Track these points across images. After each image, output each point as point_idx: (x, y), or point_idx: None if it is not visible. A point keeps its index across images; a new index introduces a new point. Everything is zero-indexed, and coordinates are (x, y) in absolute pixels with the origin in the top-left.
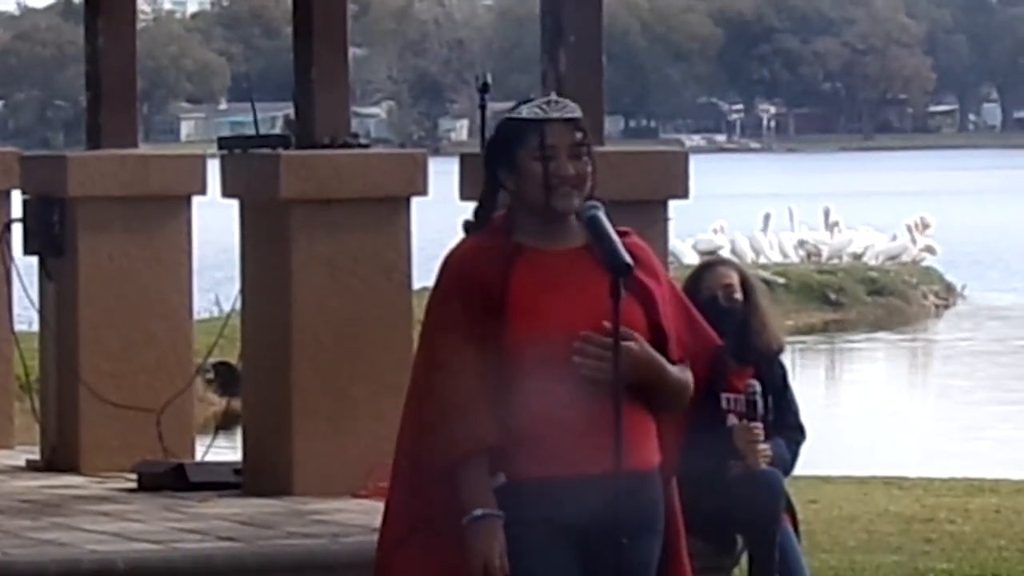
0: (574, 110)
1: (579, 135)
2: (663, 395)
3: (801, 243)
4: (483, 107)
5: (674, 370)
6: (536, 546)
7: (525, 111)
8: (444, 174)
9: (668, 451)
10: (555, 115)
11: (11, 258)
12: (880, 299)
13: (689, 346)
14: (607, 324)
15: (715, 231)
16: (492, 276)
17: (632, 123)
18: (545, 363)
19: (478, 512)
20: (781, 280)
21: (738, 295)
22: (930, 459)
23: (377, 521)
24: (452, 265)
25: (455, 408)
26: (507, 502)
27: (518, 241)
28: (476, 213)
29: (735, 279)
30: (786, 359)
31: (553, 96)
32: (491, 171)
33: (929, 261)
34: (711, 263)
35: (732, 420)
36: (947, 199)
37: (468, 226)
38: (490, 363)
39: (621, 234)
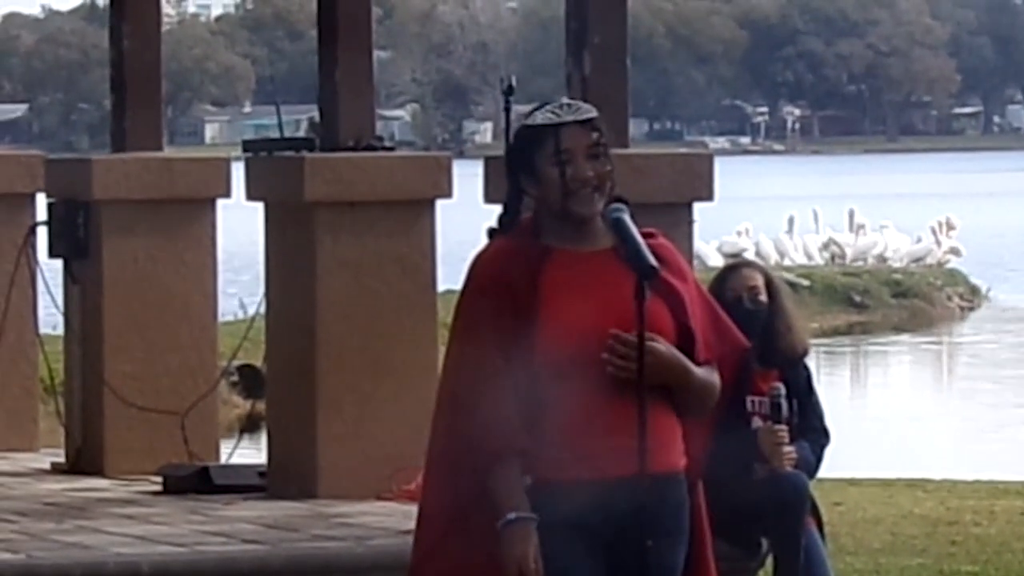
0: (588, 111)
1: (595, 135)
2: (688, 397)
3: (827, 244)
4: (508, 110)
5: (699, 372)
6: (563, 548)
7: (539, 117)
8: (468, 176)
9: (694, 455)
10: (569, 118)
11: (36, 261)
12: (904, 301)
13: (716, 348)
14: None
15: (739, 233)
16: (521, 277)
17: (656, 126)
18: (573, 365)
19: (512, 515)
20: (806, 282)
21: (763, 297)
22: (955, 461)
23: (401, 523)
24: (481, 267)
25: (486, 410)
26: (534, 504)
27: (546, 243)
28: (500, 219)
29: (760, 281)
30: (810, 361)
31: (565, 100)
32: (513, 178)
33: (954, 263)
34: (736, 265)
35: (757, 422)
36: (972, 201)
37: (492, 232)
38: (519, 364)
39: (647, 236)
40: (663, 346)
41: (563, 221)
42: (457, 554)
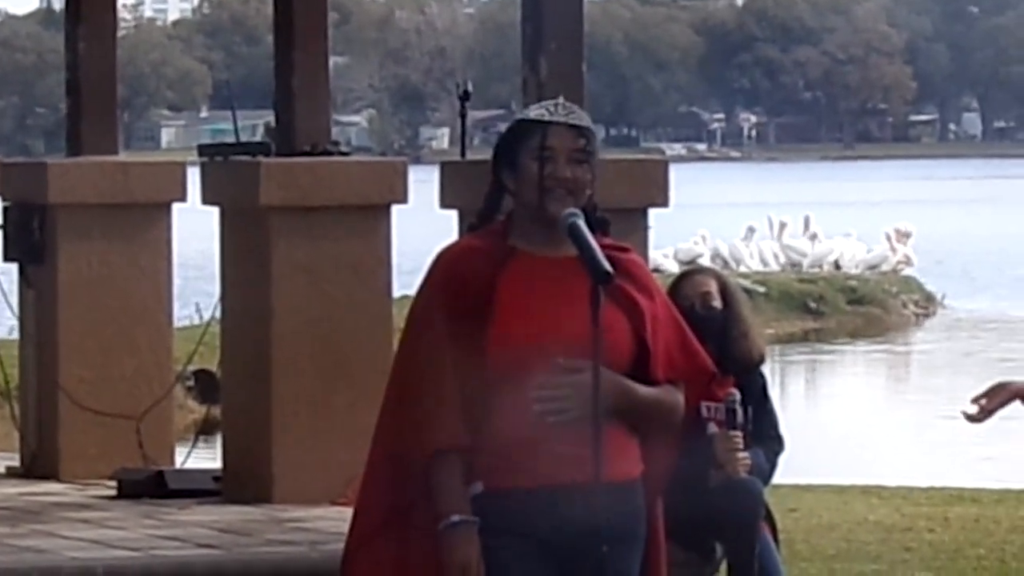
0: (581, 118)
1: (582, 142)
2: (638, 418)
3: (785, 248)
4: (464, 115)
5: (650, 393)
6: (513, 557)
7: (532, 112)
8: (425, 182)
9: (655, 469)
10: (559, 119)
11: None
12: (860, 308)
13: (682, 369)
14: (561, 360)
15: (696, 243)
16: (480, 277)
17: (613, 131)
18: (525, 369)
19: (455, 518)
20: (761, 289)
21: (716, 303)
22: (909, 468)
23: None
24: (442, 262)
25: (429, 405)
26: (485, 511)
27: (512, 244)
28: (478, 214)
29: (713, 287)
30: (766, 368)
31: (561, 100)
32: (495, 171)
33: (908, 271)
34: (689, 272)
35: (712, 428)
36: (928, 208)
37: (470, 227)
38: (470, 364)
39: (621, 250)
40: (603, 374)
41: (535, 222)
42: (392, 547)
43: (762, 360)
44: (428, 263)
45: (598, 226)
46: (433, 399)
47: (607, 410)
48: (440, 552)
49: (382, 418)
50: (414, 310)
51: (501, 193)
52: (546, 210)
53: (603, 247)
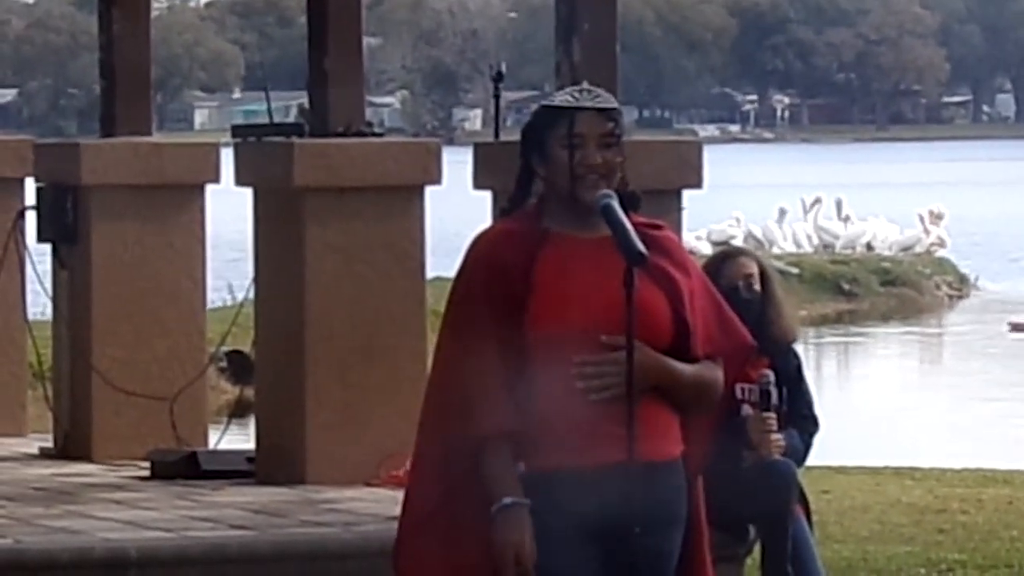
0: (607, 100)
1: (610, 125)
2: (681, 396)
3: (819, 229)
4: (497, 97)
5: (690, 370)
6: (555, 536)
7: (558, 99)
8: (458, 163)
9: (695, 448)
10: (587, 104)
11: (25, 246)
12: (893, 289)
13: (720, 344)
14: (604, 338)
15: (730, 225)
16: (517, 260)
17: (646, 113)
18: (564, 350)
19: (507, 500)
20: (795, 270)
21: (757, 286)
22: (943, 450)
23: (389, 510)
24: (478, 247)
25: (475, 391)
26: (527, 492)
27: (546, 227)
28: (510, 199)
29: (755, 269)
30: (799, 349)
31: (586, 85)
32: (524, 158)
33: (940, 252)
34: (731, 253)
35: (746, 410)
36: (961, 190)
37: (502, 212)
38: (511, 347)
39: (654, 227)
40: (641, 353)
41: (567, 206)
42: (444, 529)
43: (795, 341)
44: (464, 248)
45: (630, 203)
46: (479, 385)
47: (648, 388)
48: (493, 533)
49: (428, 404)
50: (453, 296)
51: (531, 178)
52: (579, 197)
53: (636, 225)
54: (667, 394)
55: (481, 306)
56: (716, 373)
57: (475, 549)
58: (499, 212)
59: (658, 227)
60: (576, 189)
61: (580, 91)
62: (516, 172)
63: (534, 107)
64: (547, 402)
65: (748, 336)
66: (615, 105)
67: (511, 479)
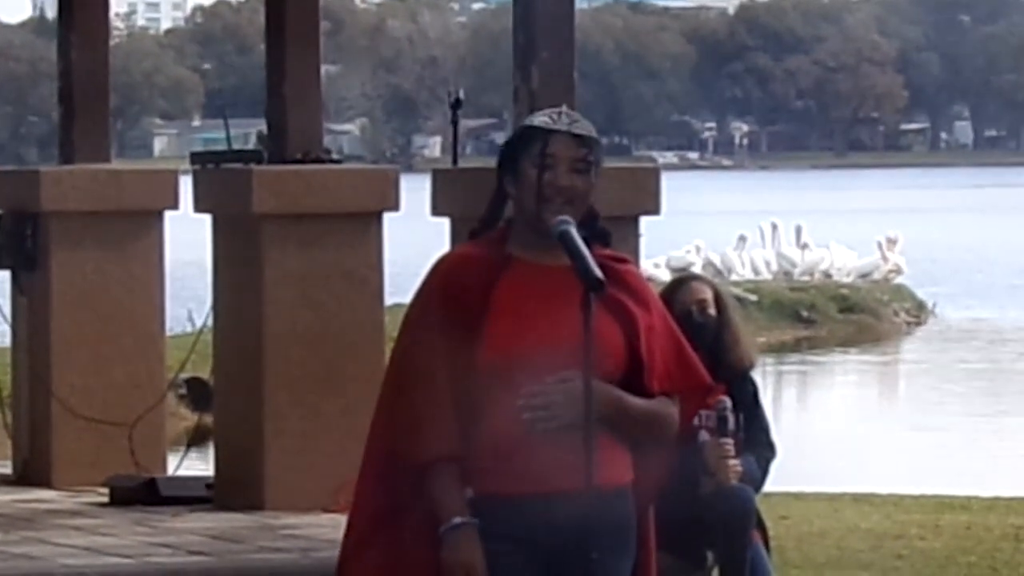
0: (585, 127)
1: (584, 151)
2: (629, 428)
3: (779, 256)
4: (455, 123)
5: (641, 403)
6: (504, 563)
7: (536, 120)
8: (417, 190)
9: (646, 478)
10: (562, 127)
11: None
12: (852, 316)
13: (678, 382)
14: (550, 379)
15: (688, 252)
16: (476, 285)
17: (605, 140)
18: (516, 377)
19: (457, 520)
20: (753, 297)
21: (711, 311)
22: (901, 476)
23: None
24: (439, 269)
25: (423, 413)
26: (475, 516)
27: (509, 252)
28: (480, 220)
29: (709, 295)
30: (757, 376)
31: (565, 108)
32: (499, 178)
33: (899, 279)
34: (685, 279)
35: (703, 436)
36: (919, 217)
37: (471, 234)
38: (464, 372)
39: (619, 261)
40: (593, 384)
41: (533, 231)
42: (387, 550)
43: (752, 367)
44: (425, 270)
45: (600, 237)
46: (428, 407)
47: (596, 418)
48: (443, 554)
49: (376, 423)
50: (409, 317)
51: (504, 199)
52: (542, 219)
53: (600, 257)
54: (616, 426)
55: (435, 328)
56: (670, 409)
57: (422, 568)
58: (468, 233)
59: (622, 260)
60: (541, 211)
61: (559, 114)
62: (490, 193)
63: (497, 132)
64: (498, 428)
65: (707, 376)
66: (592, 134)
67: (459, 501)
